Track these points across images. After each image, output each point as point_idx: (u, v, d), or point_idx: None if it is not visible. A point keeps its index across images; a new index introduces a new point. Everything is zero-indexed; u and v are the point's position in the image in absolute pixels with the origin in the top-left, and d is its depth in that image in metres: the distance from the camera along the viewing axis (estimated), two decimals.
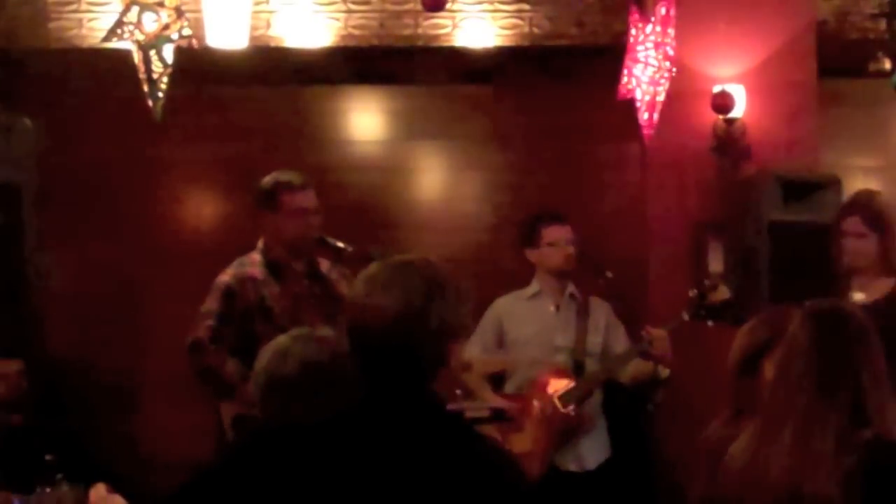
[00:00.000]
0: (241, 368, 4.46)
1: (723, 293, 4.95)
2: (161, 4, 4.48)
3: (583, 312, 5.20)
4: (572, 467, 5.10)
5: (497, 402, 5.05)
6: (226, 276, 4.68)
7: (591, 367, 5.13)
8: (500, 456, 2.38)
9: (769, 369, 2.90)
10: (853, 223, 4.52)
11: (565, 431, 5.05)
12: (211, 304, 4.62)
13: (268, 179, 4.74)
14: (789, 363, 2.71)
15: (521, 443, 4.88)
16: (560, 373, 5.11)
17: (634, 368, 5.06)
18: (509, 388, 5.18)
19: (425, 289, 2.30)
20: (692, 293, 4.98)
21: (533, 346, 5.17)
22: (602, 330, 5.21)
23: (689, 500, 3.11)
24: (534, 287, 5.27)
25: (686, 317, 4.96)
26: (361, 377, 2.33)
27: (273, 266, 4.70)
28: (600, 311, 5.26)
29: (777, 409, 2.68)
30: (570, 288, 5.26)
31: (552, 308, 5.23)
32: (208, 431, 4.65)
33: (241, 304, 4.62)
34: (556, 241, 5.18)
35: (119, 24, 4.49)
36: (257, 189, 4.75)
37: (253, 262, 4.71)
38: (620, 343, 5.19)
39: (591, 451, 5.15)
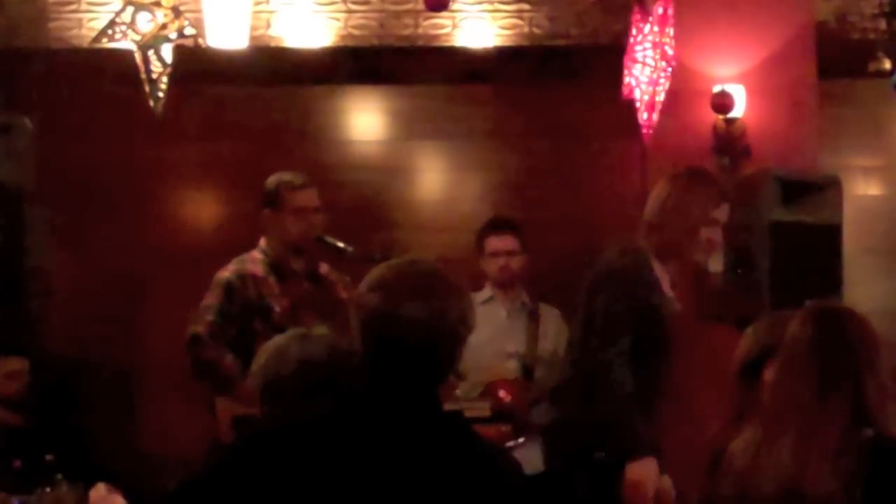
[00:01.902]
0: (240, 364, 4.47)
1: None
2: (158, 4, 4.48)
3: (533, 319, 5.23)
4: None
5: None
6: (226, 272, 4.68)
7: (539, 373, 5.14)
8: (500, 456, 2.39)
9: (771, 373, 2.90)
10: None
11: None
12: (211, 299, 4.63)
13: (271, 179, 4.78)
14: (790, 363, 2.71)
15: None
16: (508, 379, 5.11)
17: None
18: (459, 392, 5.16)
19: (445, 295, 2.35)
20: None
21: (484, 351, 5.10)
22: (551, 337, 5.22)
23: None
24: (486, 292, 5.30)
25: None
26: (367, 378, 2.34)
27: (274, 265, 4.71)
28: (550, 318, 5.29)
29: (778, 409, 2.68)
30: (523, 296, 5.30)
31: (504, 314, 5.26)
32: (209, 431, 4.65)
33: (241, 301, 4.63)
34: (496, 252, 5.25)
35: (111, 24, 4.49)
36: (262, 189, 4.77)
37: (253, 260, 4.72)
38: None
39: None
